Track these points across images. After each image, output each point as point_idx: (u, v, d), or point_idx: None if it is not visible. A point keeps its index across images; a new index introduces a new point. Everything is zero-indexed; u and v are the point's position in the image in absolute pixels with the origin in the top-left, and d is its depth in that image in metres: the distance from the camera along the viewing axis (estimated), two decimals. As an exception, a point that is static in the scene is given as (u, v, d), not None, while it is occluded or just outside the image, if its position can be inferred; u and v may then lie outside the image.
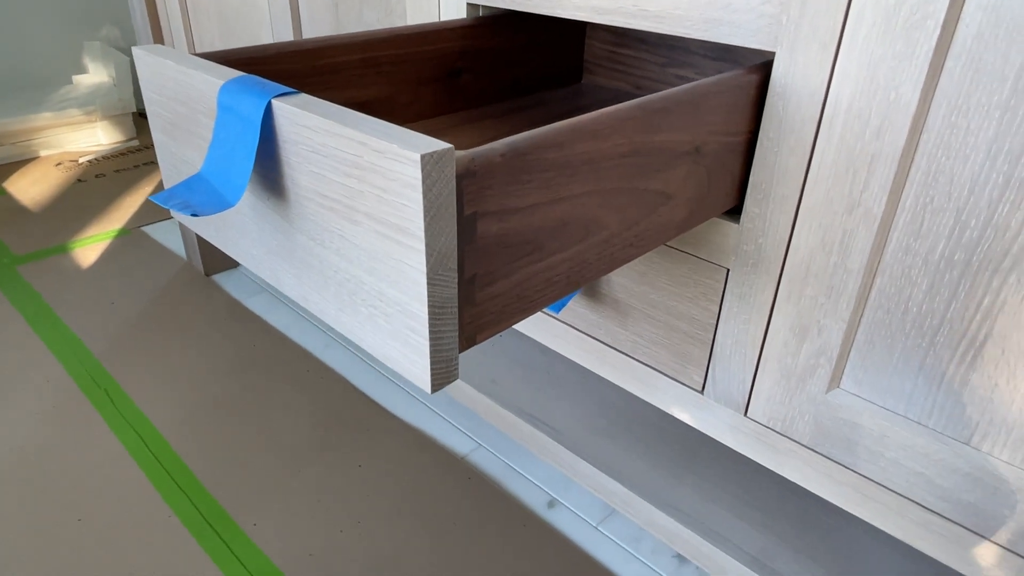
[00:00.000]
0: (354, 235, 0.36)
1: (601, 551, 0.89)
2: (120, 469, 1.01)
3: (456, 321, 0.35)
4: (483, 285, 0.36)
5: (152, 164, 2.07)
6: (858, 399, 0.57)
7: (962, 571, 0.55)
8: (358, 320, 0.39)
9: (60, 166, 2.06)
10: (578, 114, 0.69)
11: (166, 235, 1.67)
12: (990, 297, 0.47)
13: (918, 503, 0.56)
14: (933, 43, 0.43)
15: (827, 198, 0.52)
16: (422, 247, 0.32)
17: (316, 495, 0.97)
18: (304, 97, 0.38)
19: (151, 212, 1.79)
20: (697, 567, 0.85)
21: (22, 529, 0.91)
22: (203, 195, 0.39)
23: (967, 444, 0.52)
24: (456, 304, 0.35)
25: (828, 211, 0.52)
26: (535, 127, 0.64)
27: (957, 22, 0.43)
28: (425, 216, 0.31)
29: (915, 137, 0.46)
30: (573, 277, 0.43)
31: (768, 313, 0.59)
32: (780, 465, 0.64)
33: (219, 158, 0.40)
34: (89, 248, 1.61)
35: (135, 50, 0.49)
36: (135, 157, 2.13)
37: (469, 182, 0.33)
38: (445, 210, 0.32)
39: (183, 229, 1.54)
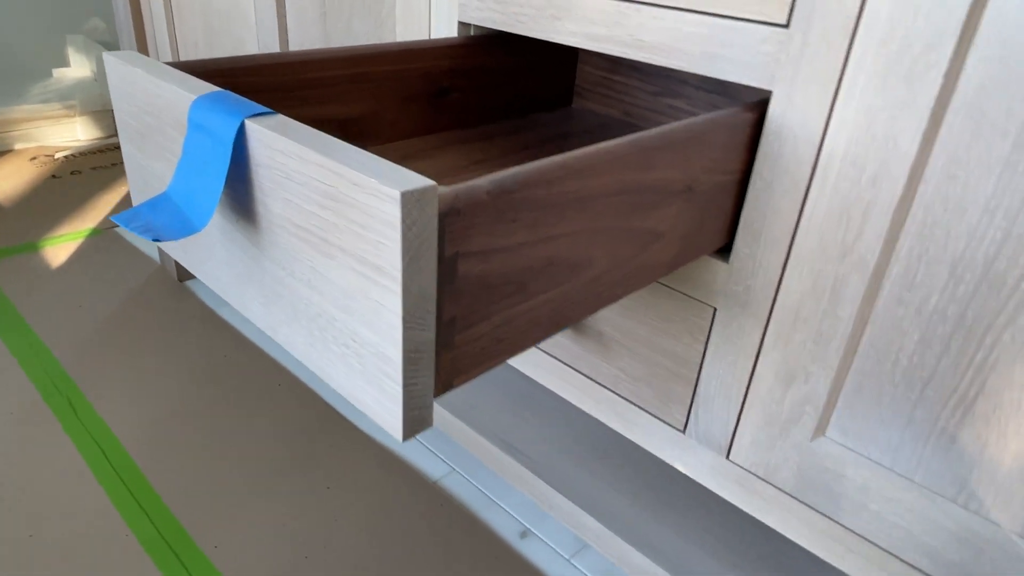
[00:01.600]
0: (328, 269, 0.34)
1: (573, 586, 0.87)
2: (77, 483, 0.97)
3: (433, 366, 0.33)
4: (463, 328, 0.34)
5: (131, 163, 2.02)
6: (843, 449, 0.55)
7: (943, 631, 0.54)
8: (328, 358, 0.36)
9: (35, 160, 2.01)
10: (568, 138, 0.67)
11: (139, 237, 1.63)
12: (983, 353, 0.46)
13: (901, 559, 0.54)
14: (935, 93, 0.42)
15: (820, 243, 0.50)
16: (399, 289, 0.30)
17: (282, 517, 0.94)
18: (280, 119, 0.35)
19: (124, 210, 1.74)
20: (670, 607, 0.82)
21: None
22: (168, 217, 0.37)
23: (953, 502, 0.50)
24: (433, 348, 0.33)
25: (820, 256, 0.51)
26: (523, 150, 0.62)
27: (960, 73, 0.42)
28: (403, 256, 0.29)
29: (912, 187, 0.45)
30: (557, 317, 0.41)
31: (755, 356, 0.57)
32: (761, 511, 0.62)
33: (187, 178, 0.38)
34: (59, 247, 1.56)
35: (106, 56, 0.46)
36: (114, 155, 2.08)
37: (452, 220, 0.31)
38: (426, 250, 0.30)
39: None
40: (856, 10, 0.44)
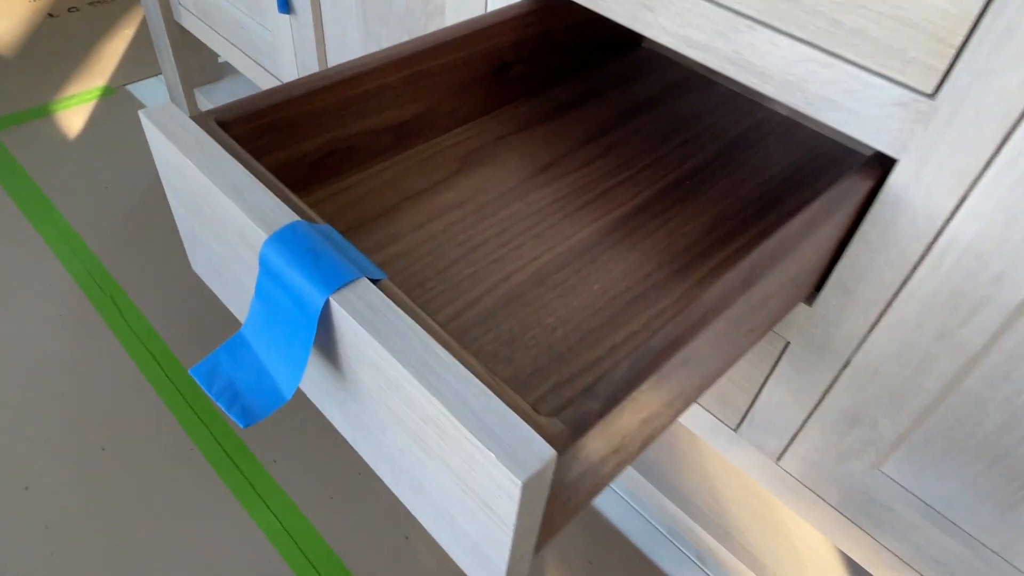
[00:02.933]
0: (426, 463, 0.32)
1: (606, 508, 0.94)
2: (137, 395, 1.01)
3: (532, 550, 0.33)
4: (562, 516, 0.34)
5: (131, 0, 1.85)
6: (897, 486, 0.56)
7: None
8: (419, 502, 0.36)
9: (26, -8, 1.84)
10: (646, 109, 0.60)
11: (153, 94, 1.54)
12: (1067, 453, 0.45)
13: (933, 584, 0.58)
14: (1095, 219, 0.37)
15: (917, 320, 0.47)
16: (510, 535, 0.29)
17: (338, 434, 1.00)
18: (374, 296, 0.32)
19: (133, 65, 1.63)
20: None
21: (50, 458, 0.93)
22: (252, 376, 0.34)
23: (998, 554, 0.53)
24: (534, 544, 0.33)
25: (915, 331, 0.48)
26: (598, 136, 0.56)
27: None
28: (518, 516, 0.28)
29: (1039, 298, 0.42)
30: (648, 442, 0.40)
31: (822, 393, 0.57)
32: (803, 511, 0.66)
33: (265, 329, 0.35)
34: (72, 112, 1.49)
35: (142, 116, 0.41)
36: (110, -16, 1.90)
37: (565, 460, 0.29)
38: (538, 499, 0.29)
39: (171, 89, 1.42)
40: (1022, 107, 0.37)
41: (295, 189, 0.50)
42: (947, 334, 0.46)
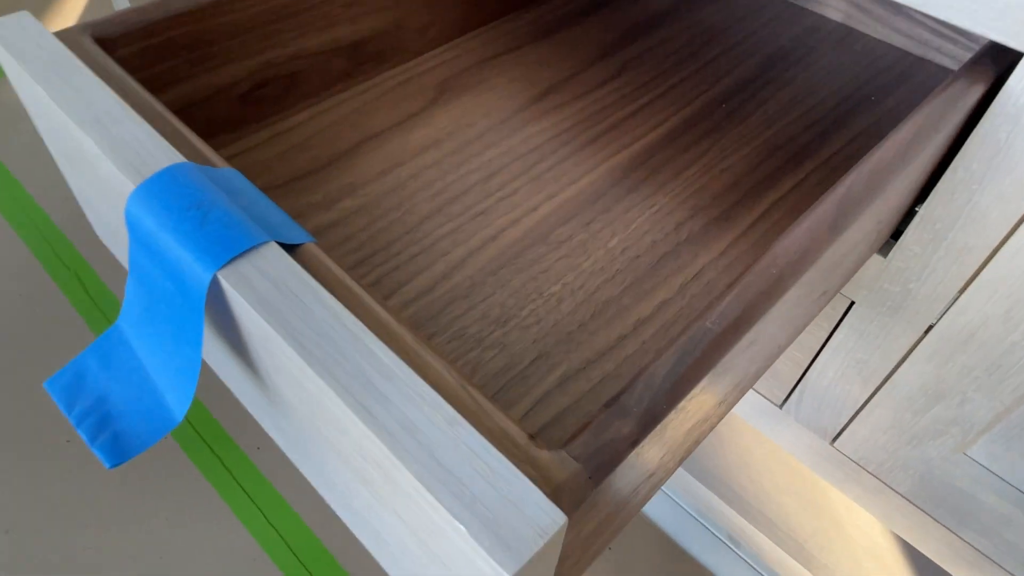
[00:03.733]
0: (378, 510, 0.22)
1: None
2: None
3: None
4: (579, 569, 0.24)
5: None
6: (988, 472, 0.46)
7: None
8: (382, 552, 0.26)
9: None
10: (657, 24, 0.48)
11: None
12: None
13: (1030, 587, 0.48)
14: None
15: (1036, 269, 0.36)
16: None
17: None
18: (287, 278, 0.21)
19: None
20: None
21: (10, 450, 0.84)
22: (129, 390, 0.24)
23: (1120, 557, 0.43)
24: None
25: (1031, 284, 0.37)
26: (606, 55, 0.45)
27: None
28: (511, 610, 0.18)
29: None
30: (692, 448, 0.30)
31: (896, 362, 0.46)
32: (861, 499, 0.56)
33: (144, 317, 0.24)
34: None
35: (-13, 29, 0.29)
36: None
37: (579, 514, 0.19)
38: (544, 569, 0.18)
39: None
40: None
41: (218, 132, 0.39)
42: (1078, 288, 0.35)
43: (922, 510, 0.52)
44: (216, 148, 0.39)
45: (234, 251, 0.21)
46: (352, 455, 0.20)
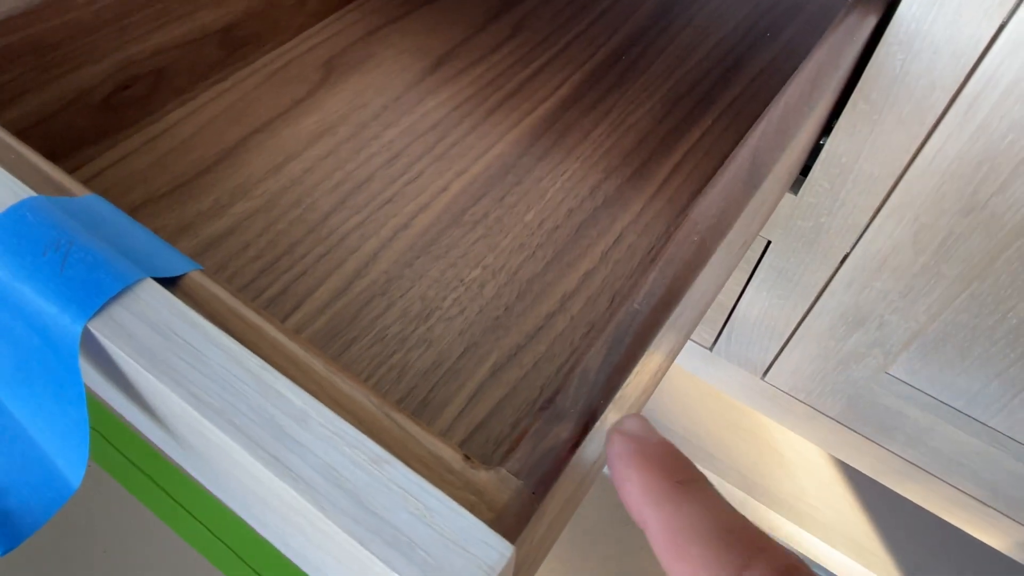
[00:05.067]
0: (313, 551, 0.21)
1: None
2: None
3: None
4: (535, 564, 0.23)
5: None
6: (908, 388, 0.48)
7: (993, 545, 0.53)
8: (312, 570, 0.25)
9: None
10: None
11: None
12: None
13: (955, 487, 0.51)
14: None
15: (938, 192, 0.37)
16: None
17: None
18: (168, 319, 0.19)
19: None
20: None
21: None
22: (13, 459, 0.21)
23: (1031, 448, 0.46)
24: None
25: (934, 207, 0.38)
26: (494, 18, 0.43)
27: None
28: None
29: (1108, 144, 0.32)
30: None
31: (815, 295, 0.47)
32: (796, 427, 0.58)
33: (16, 375, 0.21)
34: None
35: None
36: None
37: (527, 532, 0.18)
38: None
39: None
40: None
41: (83, 144, 0.35)
42: (977, 206, 0.37)
43: (852, 430, 0.54)
44: (82, 163, 0.35)
45: (103, 296, 0.19)
46: (275, 504, 0.19)
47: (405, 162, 0.37)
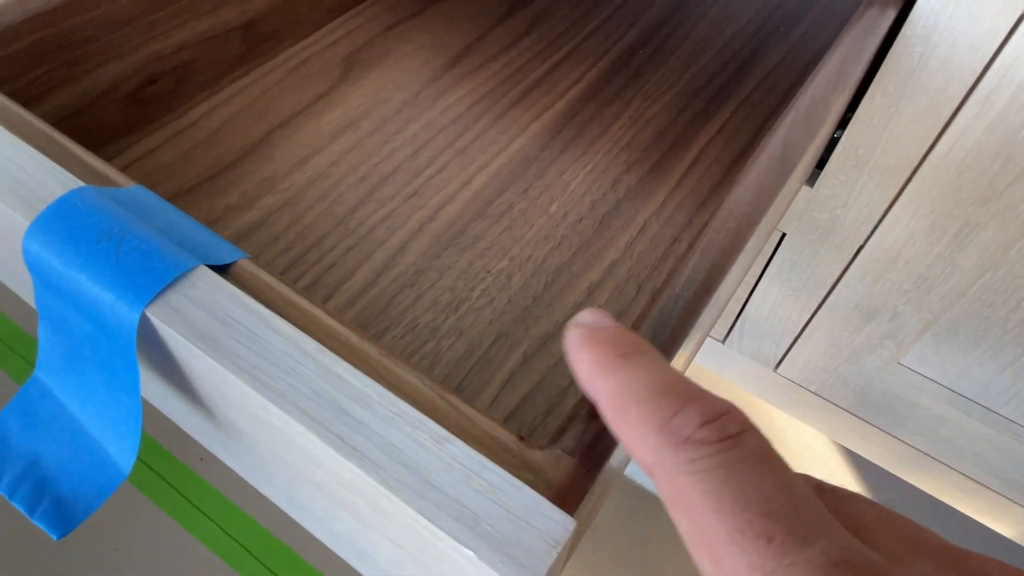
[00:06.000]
0: (365, 534, 0.21)
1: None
2: None
3: None
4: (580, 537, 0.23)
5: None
6: (921, 378, 0.49)
7: (1005, 534, 0.54)
8: (368, 567, 0.25)
9: None
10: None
11: None
12: None
13: (965, 475, 0.52)
14: None
15: (954, 182, 0.38)
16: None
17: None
18: (226, 305, 0.19)
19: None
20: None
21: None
22: (63, 448, 0.22)
23: (1042, 436, 0.46)
24: None
25: (950, 197, 0.38)
26: (508, 15, 0.43)
27: None
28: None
29: (1124, 133, 0.32)
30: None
31: (830, 287, 0.47)
32: (806, 417, 0.58)
33: (67, 364, 0.22)
34: None
35: None
36: None
37: (583, 508, 0.18)
38: None
39: None
40: None
41: (111, 138, 0.35)
42: (993, 195, 0.37)
43: (864, 420, 0.54)
44: (110, 157, 0.35)
45: (160, 283, 0.19)
46: (331, 486, 0.19)
47: (428, 156, 0.38)
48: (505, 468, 0.17)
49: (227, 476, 0.82)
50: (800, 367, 0.54)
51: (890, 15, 0.33)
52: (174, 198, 0.35)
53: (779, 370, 0.56)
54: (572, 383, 0.29)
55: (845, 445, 0.58)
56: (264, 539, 0.78)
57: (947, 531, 0.71)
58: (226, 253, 0.21)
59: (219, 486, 0.81)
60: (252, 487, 0.79)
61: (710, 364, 0.61)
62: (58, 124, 0.33)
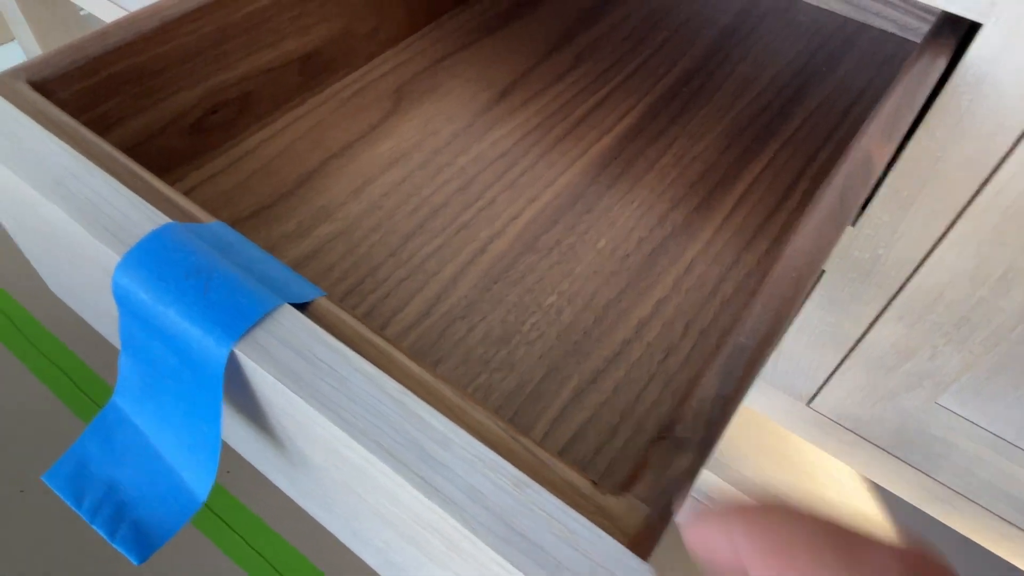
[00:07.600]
0: (429, 567, 0.21)
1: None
2: (54, 420, 0.87)
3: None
4: None
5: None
6: (959, 419, 0.49)
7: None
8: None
9: None
10: (607, 2, 0.47)
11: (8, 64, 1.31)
12: None
13: (1002, 517, 0.51)
14: None
15: (1000, 227, 0.38)
16: None
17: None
18: (312, 345, 0.20)
19: (-18, 29, 1.38)
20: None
21: (-48, 511, 0.79)
22: (141, 474, 0.22)
23: (1083, 482, 0.46)
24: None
25: (996, 241, 0.39)
26: (562, 45, 0.44)
27: None
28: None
29: None
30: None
31: (867, 325, 0.47)
32: (839, 453, 0.58)
33: (147, 393, 0.23)
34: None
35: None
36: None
37: (657, 554, 0.18)
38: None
39: (30, 55, 1.20)
40: None
41: (173, 166, 0.37)
42: (1040, 243, 0.37)
43: (898, 458, 0.54)
44: (172, 183, 0.36)
45: (248, 321, 0.20)
46: (402, 521, 0.19)
47: (478, 189, 0.38)
48: (583, 514, 0.17)
49: (252, 490, 0.82)
50: (834, 403, 0.54)
51: (941, 64, 0.33)
52: (232, 226, 0.36)
53: (812, 405, 0.56)
54: (623, 419, 0.30)
55: (875, 481, 0.58)
56: (291, 556, 0.78)
57: (981, 573, 0.70)
58: (305, 291, 0.22)
59: (246, 501, 0.81)
60: (276, 502, 0.80)
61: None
62: (126, 152, 0.34)
